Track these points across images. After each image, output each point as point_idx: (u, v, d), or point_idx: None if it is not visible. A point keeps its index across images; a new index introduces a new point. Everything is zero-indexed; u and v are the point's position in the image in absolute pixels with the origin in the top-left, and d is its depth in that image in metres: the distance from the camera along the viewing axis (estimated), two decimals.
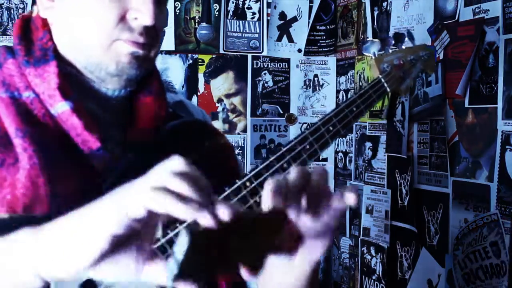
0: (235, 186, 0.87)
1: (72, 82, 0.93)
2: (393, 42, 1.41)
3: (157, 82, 1.00)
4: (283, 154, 0.97)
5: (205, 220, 0.65)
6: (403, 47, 1.43)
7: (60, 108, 0.89)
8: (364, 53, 1.35)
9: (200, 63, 2.73)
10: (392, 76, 1.35)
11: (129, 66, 0.92)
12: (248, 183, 0.88)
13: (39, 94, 0.91)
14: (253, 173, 0.90)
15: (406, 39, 1.43)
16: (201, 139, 1.02)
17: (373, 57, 1.38)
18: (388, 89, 1.31)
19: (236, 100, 2.78)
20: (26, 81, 0.92)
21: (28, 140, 0.86)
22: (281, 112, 2.85)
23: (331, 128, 1.09)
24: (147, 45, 0.92)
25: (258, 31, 2.79)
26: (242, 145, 2.79)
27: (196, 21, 2.69)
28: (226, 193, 0.86)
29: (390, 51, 1.38)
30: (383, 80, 1.29)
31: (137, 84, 0.97)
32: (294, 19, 2.84)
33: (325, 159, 2.91)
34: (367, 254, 2.59)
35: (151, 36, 0.92)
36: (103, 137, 0.90)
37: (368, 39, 1.22)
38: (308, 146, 1.04)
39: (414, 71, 1.43)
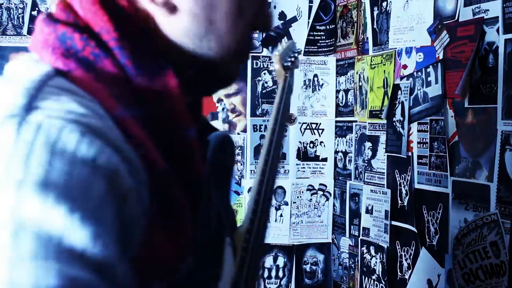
0: None
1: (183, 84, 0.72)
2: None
3: None
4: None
5: None
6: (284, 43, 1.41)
7: (187, 132, 0.73)
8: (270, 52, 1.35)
9: None
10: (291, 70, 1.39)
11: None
12: None
13: (153, 106, 0.69)
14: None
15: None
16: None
17: (274, 55, 1.37)
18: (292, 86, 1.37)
19: (236, 100, 2.78)
20: (134, 97, 0.67)
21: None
22: None
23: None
24: None
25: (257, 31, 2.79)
26: (242, 145, 2.79)
27: None
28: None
29: (280, 46, 1.38)
30: (288, 78, 1.35)
31: None
32: (294, 19, 2.84)
33: (325, 159, 2.91)
34: (367, 254, 2.59)
35: None
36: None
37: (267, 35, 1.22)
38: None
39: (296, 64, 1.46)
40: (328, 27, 2.88)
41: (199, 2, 0.72)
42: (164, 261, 0.65)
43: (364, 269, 2.61)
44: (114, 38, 0.66)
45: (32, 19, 2.52)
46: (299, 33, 2.84)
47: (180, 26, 0.72)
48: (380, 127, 2.49)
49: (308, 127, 2.90)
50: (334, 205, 2.92)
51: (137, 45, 0.68)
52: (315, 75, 2.89)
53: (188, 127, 0.71)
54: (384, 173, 2.46)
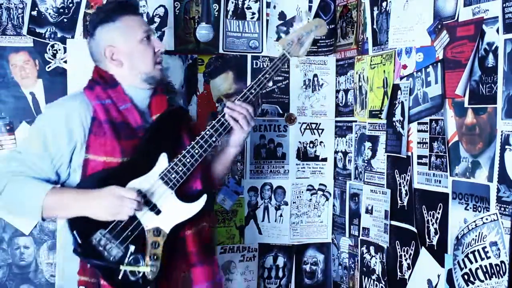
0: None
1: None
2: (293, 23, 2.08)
3: (161, 86, 2.03)
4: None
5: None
6: (300, 25, 2.25)
7: (127, 106, 1.91)
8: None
9: (199, 63, 2.73)
10: (293, 49, 2.09)
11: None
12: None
13: (113, 99, 1.90)
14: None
15: (303, 17, 2.18)
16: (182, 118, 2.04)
17: (279, 40, 2.13)
18: (290, 57, 2.08)
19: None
20: (107, 95, 1.91)
21: (109, 125, 1.86)
22: (281, 112, 2.85)
23: (253, 91, 2.00)
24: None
25: (257, 31, 2.79)
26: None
27: (196, 21, 2.69)
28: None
29: (291, 31, 2.13)
30: (286, 54, 2.06)
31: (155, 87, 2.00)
32: (294, 19, 2.84)
33: (325, 159, 2.91)
34: (366, 254, 2.59)
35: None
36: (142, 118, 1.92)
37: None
38: (253, 91, 2.01)
39: (308, 40, 2.14)
40: (328, 27, 2.87)
41: (128, 62, 1.93)
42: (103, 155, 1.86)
43: (364, 269, 2.61)
44: (98, 79, 1.95)
45: (32, 19, 2.52)
46: None
47: (125, 68, 1.94)
48: (380, 127, 2.49)
49: (308, 127, 2.90)
50: (334, 205, 2.92)
51: (106, 80, 1.94)
52: (315, 75, 2.89)
53: (125, 103, 1.91)
54: (384, 173, 2.46)
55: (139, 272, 1.81)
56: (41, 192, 1.80)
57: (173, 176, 1.86)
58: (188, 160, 1.88)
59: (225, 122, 1.97)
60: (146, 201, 1.83)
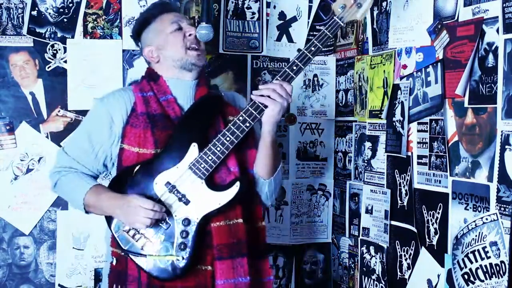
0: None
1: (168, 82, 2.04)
2: None
3: (204, 78, 2.11)
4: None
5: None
6: None
7: (167, 98, 1.98)
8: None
9: None
10: (347, 13, 1.90)
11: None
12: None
13: (155, 91, 1.99)
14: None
15: None
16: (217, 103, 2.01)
17: (332, 5, 1.85)
18: (343, 24, 1.91)
19: None
20: (150, 87, 2.01)
21: (145, 117, 1.94)
22: None
23: (294, 68, 1.90)
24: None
25: (257, 31, 2.79)
26: None
27: (196, 21, 2.69)
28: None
29: None
30: (337, 20, 1.89)
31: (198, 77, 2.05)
32: (294, 19, 2.84)
33: (325, 159, 2.91)
34: (366, 254, 2.59)
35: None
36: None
37: None
38: (294, 68, 1.90)
39: (368, 0, 1.90)
40: None
41: (162, 55, 2.03)
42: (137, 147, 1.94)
43: (364, 269, 2.61)
44: (146, 75, 2.08)
45: (32, 19, 2.52)
46: (299, 33, 2.84)
47: (162, 62, 2.05)
48: (380, 127, 2.49)
49: (308, 127, 2.90)
50: (334, 205, 2.92)
51: (151, 75, 2.06)
52: (315, 75, 2.89)
53: (166, 95, 1.99)
54: (384, 173, 2.46)
55: (168, 261, 1.85)
56: (82, 192, 1.95)
57: (202, 165, 1.84)
58: (218, 148, 1.84)
59: (260, 105, 1.86)
60: (175, 191, 1.86)
